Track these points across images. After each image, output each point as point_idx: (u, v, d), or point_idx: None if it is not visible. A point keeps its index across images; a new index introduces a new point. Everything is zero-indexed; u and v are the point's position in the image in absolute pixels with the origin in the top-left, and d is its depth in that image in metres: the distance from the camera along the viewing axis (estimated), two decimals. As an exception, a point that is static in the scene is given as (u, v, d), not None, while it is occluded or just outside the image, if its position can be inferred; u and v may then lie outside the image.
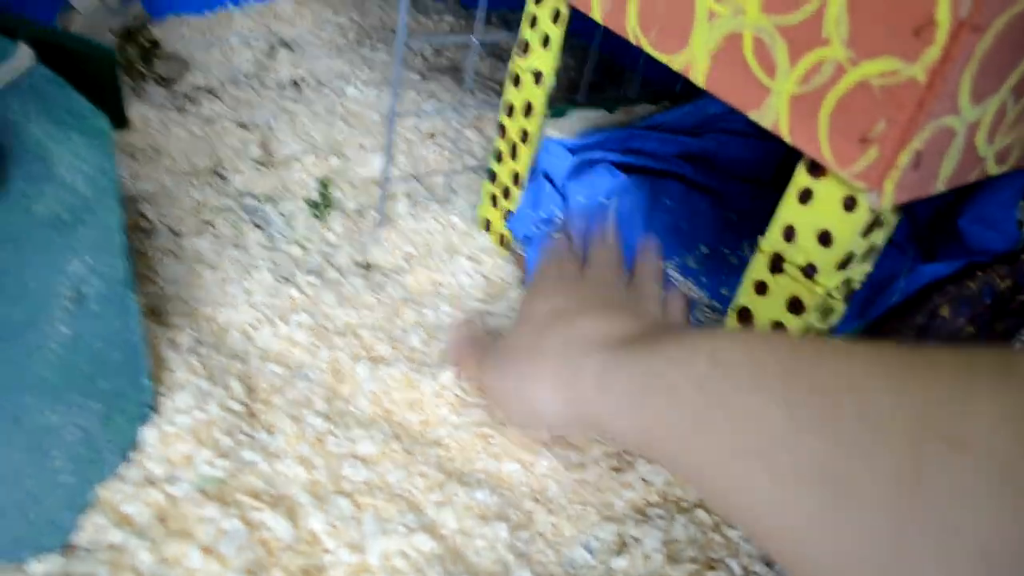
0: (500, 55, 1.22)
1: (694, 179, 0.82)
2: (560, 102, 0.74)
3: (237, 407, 0.55)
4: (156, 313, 0.63)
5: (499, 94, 1.08)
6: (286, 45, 1.12)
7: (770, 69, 0.48)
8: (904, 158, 0.44)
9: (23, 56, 0.52)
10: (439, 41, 0.70)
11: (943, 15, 0.40)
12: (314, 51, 1.12)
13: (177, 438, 0.52)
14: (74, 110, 0.53)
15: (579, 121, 0.76)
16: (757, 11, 0.48)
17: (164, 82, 0.98)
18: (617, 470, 0.58)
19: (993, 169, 0.52)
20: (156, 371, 0.56)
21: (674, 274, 0.76)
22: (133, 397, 0.52)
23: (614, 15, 0.58)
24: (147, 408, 0.53)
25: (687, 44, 0.53)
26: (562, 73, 1.06)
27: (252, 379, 0.59)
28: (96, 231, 0.52)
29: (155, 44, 0.97)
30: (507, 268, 0.75)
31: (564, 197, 0.73)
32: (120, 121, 0.75)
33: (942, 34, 0.40)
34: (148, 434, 0.52)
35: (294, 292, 0.67)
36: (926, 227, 0.92)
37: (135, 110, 0.90)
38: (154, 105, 0.92)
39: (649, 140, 0.78)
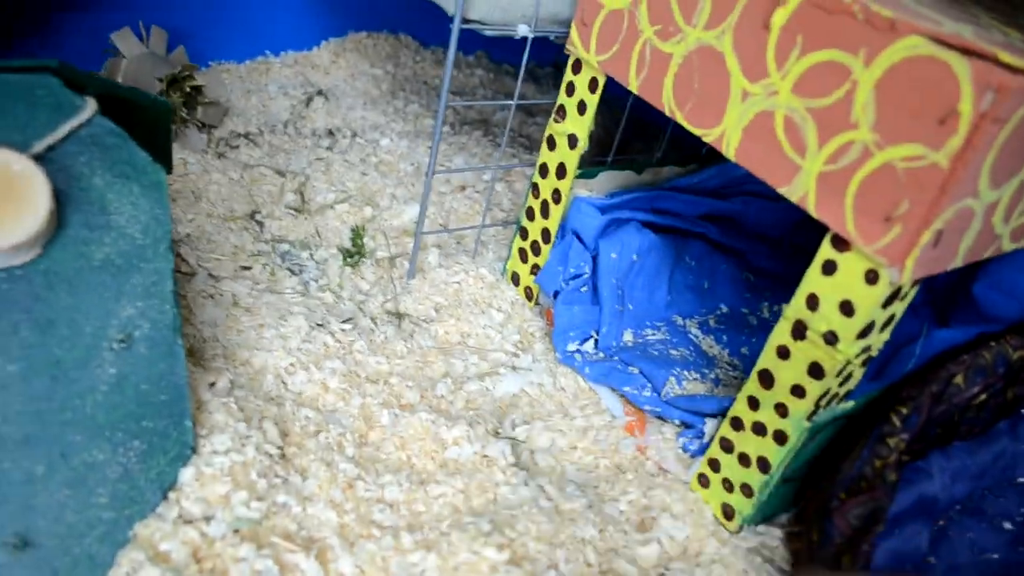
0: (528, 109, 1.25)
1: (717, 239, 0.84)
2: (591, 158, 0.77)
3: (272, 450, 0.57)
4: (195, 355, 0.66)
5: (527, 148, 1.11)
6: (322, 94, 1.15)
7: (800, 148, 0.51)
8: (926, 237, 0.46)
9: (89, 109, 0.55)
10: (476, 103, 0.73)
11: (966, 107, 0.43)
12: (349, 101, 1.15)
13: (214, 479, 0.54)
14: (134, 162, 0.56)
15: (609, 181, 0.79)
16: (789, 93, 0.51)
17: (205, 128, 1.01)
18: None
19: (1008, 246, 0.54)
20: (195, 413, 0.58)
21: (695, 331, 0.78)
22: (175, 438, 0.54)
23: (650, 88, 0.60)
24: (188, 449, 0.55)
25: (721, 121, 0.55)
26: (594, 130, 1.09)
27: (287, 423, 0.61)
28: (148, 277, 0.55)
29: (198, 91, 1.01)
30: (535, 321, 0.77)
31: (594, 254, 0.75)
32: (167, 164, 0.78)
33: (964, 125, 0.43)
34: (186, 474, 0.54)
35: (328, 338, 0.70)
36: (942, 292, 0.94)
37: (177, 155, 0.93)
38: (195, 150, 0.96)
39: (675, 201, 0.81)
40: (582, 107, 0.68)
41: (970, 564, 0.64)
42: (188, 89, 1.00)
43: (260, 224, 0.86)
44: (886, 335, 0.53)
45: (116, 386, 0.53)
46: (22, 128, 0.54)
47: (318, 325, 0.71)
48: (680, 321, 0.78)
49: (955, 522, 0.66)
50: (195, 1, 1.12)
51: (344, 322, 0.73)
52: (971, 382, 0.60)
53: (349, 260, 0.82)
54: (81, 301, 0.53)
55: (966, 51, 0.44)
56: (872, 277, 0.49)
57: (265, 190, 0.92)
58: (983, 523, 0.66)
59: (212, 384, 0.62)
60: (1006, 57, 0.44)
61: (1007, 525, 0.67)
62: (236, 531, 0.52)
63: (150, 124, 0.67)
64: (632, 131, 1.16)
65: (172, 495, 0.53)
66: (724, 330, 0.78)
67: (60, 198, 0.53)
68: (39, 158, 0.53)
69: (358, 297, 0.78)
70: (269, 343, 0.68)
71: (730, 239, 0.85)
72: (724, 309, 0.82)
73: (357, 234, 0.85)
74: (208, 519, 0.52)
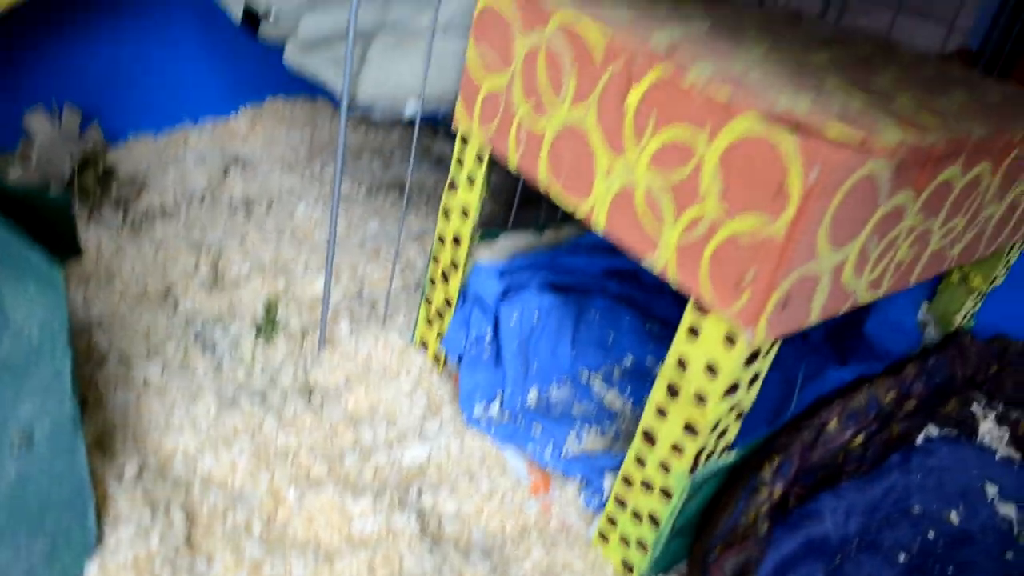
0: (446, 169, 1.28)
1: (619, 293, 0.87)
2: (495, 217, 0.80)
3: (178, 538, 0.59)
4: (103, 442, 0.67)
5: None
6: (239, 163, 1.17)
7: (659, 220, 0.54)
8: (773, 301, 0.49)
9: (-21, 214, 0.57)
10: (376, 178, 0.76)
11: (795, 181, 0.46)
12: (266, 168, 1.17)
13: (119, 571, 0.55)
14: (30, 260, 0.57)
15: (509, 244, 0.81)
16: (646, 167, 0.54)
17: (119, 205, 1.02)
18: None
19: (865, 298, 0.58)
20: (101, 504, 0.59)
21: (599, 385, 0.80)
22: (78, 533, 0.55)
23: (527, 165, 0.64)
24: (92, 542, 0.56)
25: (590, 194, 0.59)
26: (496, 192, 1.13)
27: (194, 506, 0.63)
28: (47, 374, 0.56)
29: (111, 171, 1.02)
30: (443, 386, 0.80)
31: (496, 318, 0.78)
32: (74, 250, 0.79)
33: (795, 197, 0.46)
34: (91, 569, 0.55)
35: (237, 418, 0.71)
36: (838, 330, 0.98)
37: (91, 234, 0.94)
38: (109, 228, 0.97)
39: (576, 259, 0.84)
40: (471, 180, 0.71)
41: (866, 598, 0.67)
42: (102, 170, 1.01)
43: (174, 302, 0.88)
44: (754, 391, 0.56)
45: (17, 488, 0.54)
46: (-87, 237, 0.55)
47: (228, 403, 0.73)
48: (585, 376, 0.81)
49: (851, 559, 0.69)
50: (111, 74, 1.13)
51: (254, 397, 0.74)
52: (844, 426, 0.63)
53: (262, 334, 0.84)
54: (-23, 404, 0.54)
55: (796, 127, 0.48)
56: (731, 339, 0.52)
57: (179, 266, 0.93)
58: (878, 556, 0.70)
59: (120, 474, 0.63)
60: (834, 131, 0.48)
61: (902, 557, 0.70)
62: (141, 621, 0.53)
63: (51, 217, 0.69)
64: (535, 191, 1.19)
65: (77, 590, 0.54)
66: (628, 381, 0.81)
67: (-49, 304, 0.54)
68: (-71, 266, 0.54)
69: (270, 371, 0.79)
70: (179, 425, 0.70)
71: (631, 291, 0.88)
72: (630, 360, 0.85)
73: (270, 307, 0.87)
74: (113, 611, 0.53)
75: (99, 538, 0.57)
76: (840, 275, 0.53)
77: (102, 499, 0.60)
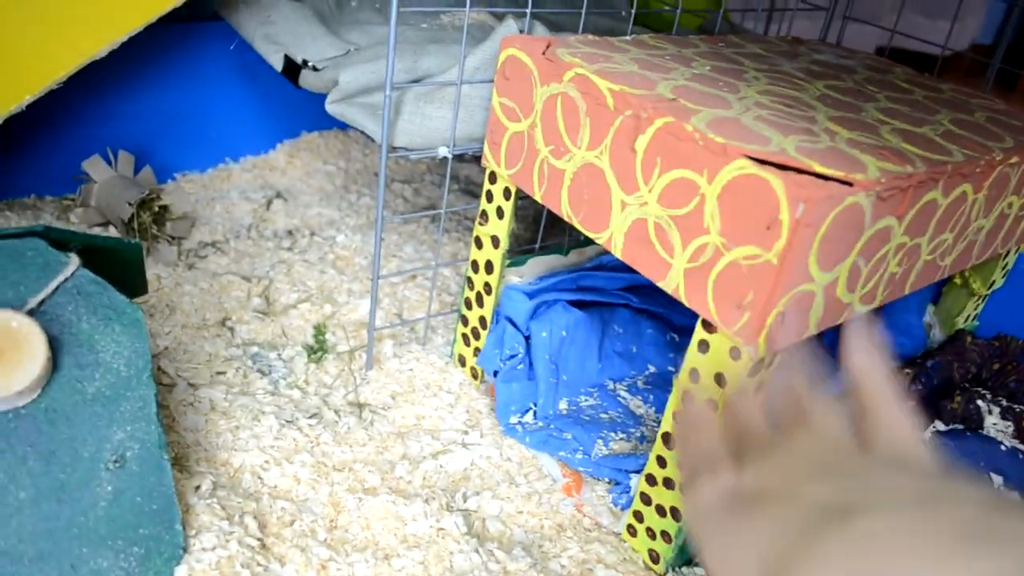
0: (474, 191, 1.36)
1: (640, 306, 0.94)
2: (523, 243, 0.87)
3: (253, 542, 0.66)
4: (180, 462, 0.75)
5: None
6: (280, 196, 1.25)
7: (669, 249, 0.61)
8: (771, 319, 0.56)
9: (72, 264, 0.65)
10: (411, 216, 0.83)
11: (784, 216, 0.53)
12: (306, 199, 1.26)
13: (204, 574, 0.63)
14: (114, 305, 0.65)
15: (536, 267, 0.89)
16: (656, 204, 0.61)
17: (175, 241, 1.11)
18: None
19: (860, 309, 0.65)
20: (184, 516, 0.67)
21: (624, 393, 0.87)
22: (168, 540, 0.63)
23: (550, 198, 0.71)
24: (180, 549, 0.64)
25: (608, 226, 0.66)
26: (525, 215, 1.20)
27: (264, 515, 0.70)
28: (134, 404, 0.64)
29: (165, 208, 1.10)
30: (481, 399, 0.87)
31: (527, 335, 0.85)
32: (143, 289, 0.87)
33: (785, 230, 0.53)
34: (180, 572, 0.63)
35: (297, 434, 0.79)
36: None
37: (151, 270, 1.03)
38: (167, 264, 1.05)
39: (597, 278, 0.91)
40: (500, 212, 0.78)
41: None
42: (156, 208, 1.10)
43: (231, 330, 0.96)
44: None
45: (114, 501, 0.62)
46: (16, 287, 0.63)
47: (287, 422, 0.81)
48: (611, 386, 0.88)
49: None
50: (156, 120, 1.22)
51: (311, 417, 0.82)
52: (846, 425, 0.70)
53: (313, 356, 0.92)
54: (78, 431, 0.62)
55: (785, 167, 0.54)
56: (736, 354, 0.59)
57: (234, 296, 1.01)
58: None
59: (197, 488, 0.71)
60: (818, 168, 0.55)
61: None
62: (226, 617, 0.61)
63: (125, 261, 0.77)
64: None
65: (169, 591, 0.62)
66: (651, 390, 0.88)
67: (53, 344, 0.62)
68: (33, 312, 0.62)
69: (322, 391, 0.87)
70: (245, 443, 0.77)
71: (652, 304, 0.95)
72: (652, 369, 0.92)
73: (319, 331, 0.95)
74: (201, 609, 0.61)
75: (186, 545, 0.64)
76: (834, 291, 0.60)
77: (184, 512, 0.67)
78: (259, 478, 0.75)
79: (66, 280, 0.65)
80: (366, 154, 1.42)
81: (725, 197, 0.56)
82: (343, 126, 1.45)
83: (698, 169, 0.58)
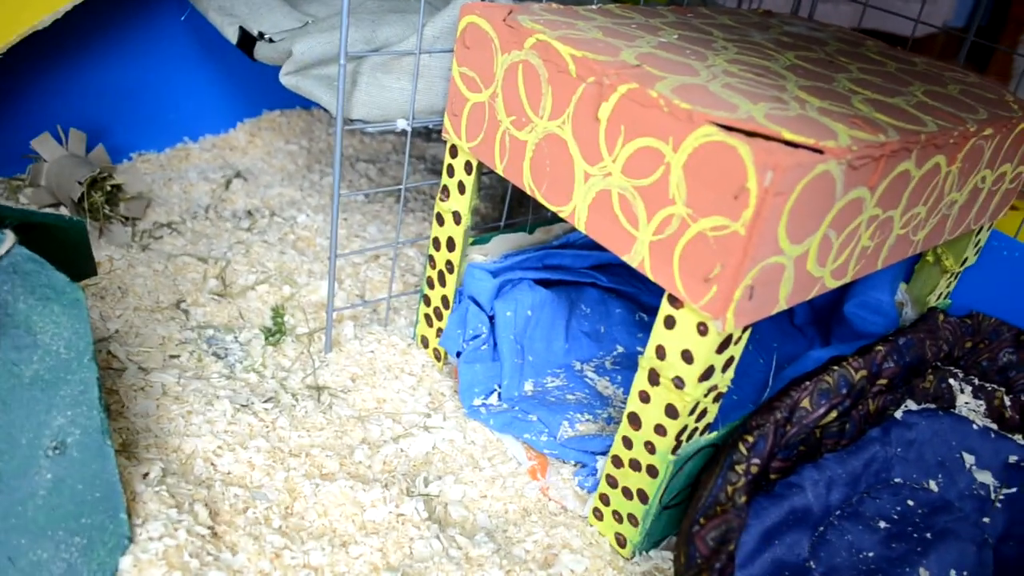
0: (439, 171, 1.33)
1: (608, 286, 0.92)
2: (489, 222, 0.85)
3: (203, 531, 0.63)
4: (128, 448, 0.71)
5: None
6: (240, 175, 1.22)
7: (633, 221, 0.59)
8: (739, 293, 0.54)
9: (7, 241, 0.61)
10: (371, 191, 0.80)
11: (752, 184, 0.51)
12: (267, 179, 1.22)
13: (151, 564, 0.60)
14: (53, 284, 0.62)
15: (501, 245, 0.86)
16: (620, 174, 0.59)
17: (129, 221, 1.07)
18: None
19: (831, 284, 0.63)
20: (130, 504, 0.64)
21: (591, 374, 0.85)
22: (112, 530, 0.60)
23: (512, 171, 0.68)
24: (124, 539, 0.61)
25: (571, 199, 0.63)
26: (490, 193, 1.17)
27: (216, 503, 0.67)
28: (75, 388, 0.61)
29: (118, 188, 1.06)
30: (444, 381, 0.84)
31: (491, 315, 0.82)
32: (91, 269, 0.84)
33: (753, 199, 0.51)
34: (125, 562, 0.60)
35: (252, 419, 0.76)
36: (823, 312, 1.03)
37: (103, 251, 0.99)
38: (120, 245, 1.01)
39: (564, 256, 0.89)
40: (461, 187, 0.76)
41: (847, 564, 0.72)
42: (109, 188, 1.06)
43: (186, 312, 0.92)
44: (729, 375, 0.61)
45: (54, 490, 0.59)
46: (-53, 266, 0.60)
47: (243, 406, 0.78)
48: (578, 366, 0.86)
49: (834, 527, 0.74)
50: (111, 97, 1.18)
51: (267, 401, 0.79)
52: (816, 404, 0.68)
53: (271, 339, 0.89)
54: (16, 416, 0.59)
55: (753, 134, 0.52)
56: (703, 329, 0.57)
57: (189, 278, 0.98)
58: (860, 525, 0.74)
59: (145, 475, 0.68)
60: (788, 135, 0.53)
61: (882, 524, 0.75)
62: (174, 609, 0.58)
63: (69, 240, 0.73)
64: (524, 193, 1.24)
65: (113, 582, 0.59)
66: (619, 370, 0.86)
67: (-13, 326, 0.59)
68: (-35, 292, 0.59)
69: (280, 374, 0.84)
70: (197, 429, 0.74)
71: (620, 283, 0.92)
72: (620, 350, 0.90)
73: (277, 313, 0.92)
74: (147, 601, 0.58)
75: (131, 535, 0.61)
76: (804, 264, 0.58)
77: (130, 500, 0.64)
78: (212, 464, 0.72)
79: (1, 258, 0.62)
80: (330, 133, 1.38)
81: (691, 166, 0.54)
82: (306, 104, 1.41)
83: (663, 137, 0.55)
